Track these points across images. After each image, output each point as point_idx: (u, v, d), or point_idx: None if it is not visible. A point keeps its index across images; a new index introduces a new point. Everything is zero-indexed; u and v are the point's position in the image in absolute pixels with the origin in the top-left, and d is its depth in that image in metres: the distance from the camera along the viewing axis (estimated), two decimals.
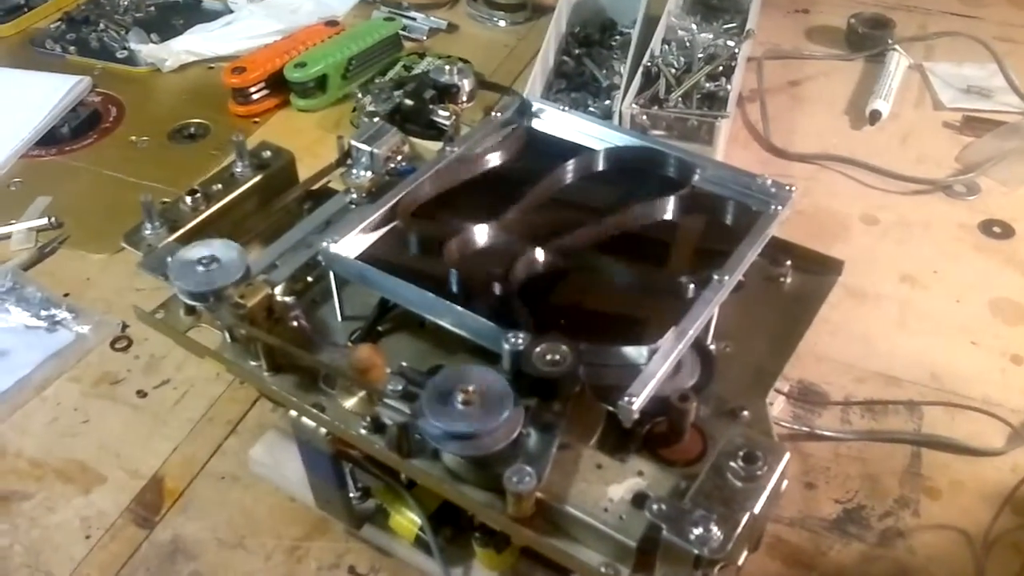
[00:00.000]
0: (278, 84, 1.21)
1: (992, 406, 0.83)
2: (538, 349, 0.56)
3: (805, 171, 1.10)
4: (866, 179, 1.09)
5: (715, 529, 0.50)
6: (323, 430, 0.61)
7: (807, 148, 1.13)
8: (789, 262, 0.72)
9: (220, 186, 0.76)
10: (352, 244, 0.67)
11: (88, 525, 0.75)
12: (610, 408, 0.57)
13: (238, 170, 0.78)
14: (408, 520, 0.67)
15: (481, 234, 0.69)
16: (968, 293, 0.94)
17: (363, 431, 0.59)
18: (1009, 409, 0.82)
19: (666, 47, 1.21)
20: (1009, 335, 0.90)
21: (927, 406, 0.83)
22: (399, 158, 0.78)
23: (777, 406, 0.80)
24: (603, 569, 0.53)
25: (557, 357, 0.56)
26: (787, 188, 0.70)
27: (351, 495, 0.69)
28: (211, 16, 1.37)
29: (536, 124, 0.81)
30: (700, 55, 1.18)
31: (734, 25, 1.26)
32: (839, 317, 0.89)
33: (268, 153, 0.80)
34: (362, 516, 0.70)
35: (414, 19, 1.38)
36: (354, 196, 0.77)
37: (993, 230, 1.01)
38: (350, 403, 0.61)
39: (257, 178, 0.78)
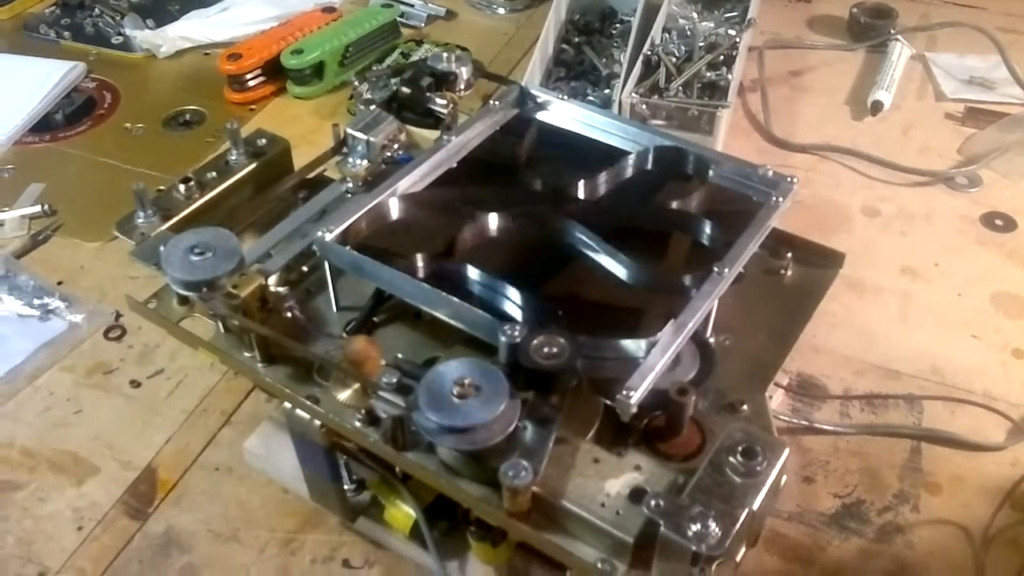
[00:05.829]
0: (274, 71, 1.20)
1: (992, 400, 0.82)
2: (535, 341, 0.56)
3: (806, 162, 1.09)
4: (867, 170, 1.08)
5: (713, 525, 0.49)
6: (317, 422, 0.61)
7: (808, 139, 1.12)
8: (790, 254, 0.72)
9: (214, 174, 0.75)
10: (347, 234, 0.66)
11: (80, 516, 0.75)
12: (608, 402, 0.56)
13: (233, 158, 0.77)
14: (403, 513, 0.66)
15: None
16: (969, 286, 0.93)
17: (357, 424, 0.58)
18: (1010, 403, 0.82)
19: (667, 36, 1.20)
20: (1010, 329, 0.89)
21: (927, 400, 0.82)
22: (395, 146, 0.77)
23: (776, 399, 0.80)
24: (600, 565, 0.53)
25: (555, 350, 0.55)
26: (788, 179, 0.69)
27: (346, 487, 0.68)
28: (207, 2, 1.36)
29: (534, 113, 0.80)
30: (701, 44, 1.17)
31: (735, 14, 1.25)
32: (839, 309, 0.88)
33: (263, 141, 0.79)
34: (357, 509, 0.70)
35: (412, 6, 1.37)
36: (350, 185, 0.76)
37: (995, 223, 1.01)
38: (344, 395, 0.60)
39: (252, 166, 0.77)
